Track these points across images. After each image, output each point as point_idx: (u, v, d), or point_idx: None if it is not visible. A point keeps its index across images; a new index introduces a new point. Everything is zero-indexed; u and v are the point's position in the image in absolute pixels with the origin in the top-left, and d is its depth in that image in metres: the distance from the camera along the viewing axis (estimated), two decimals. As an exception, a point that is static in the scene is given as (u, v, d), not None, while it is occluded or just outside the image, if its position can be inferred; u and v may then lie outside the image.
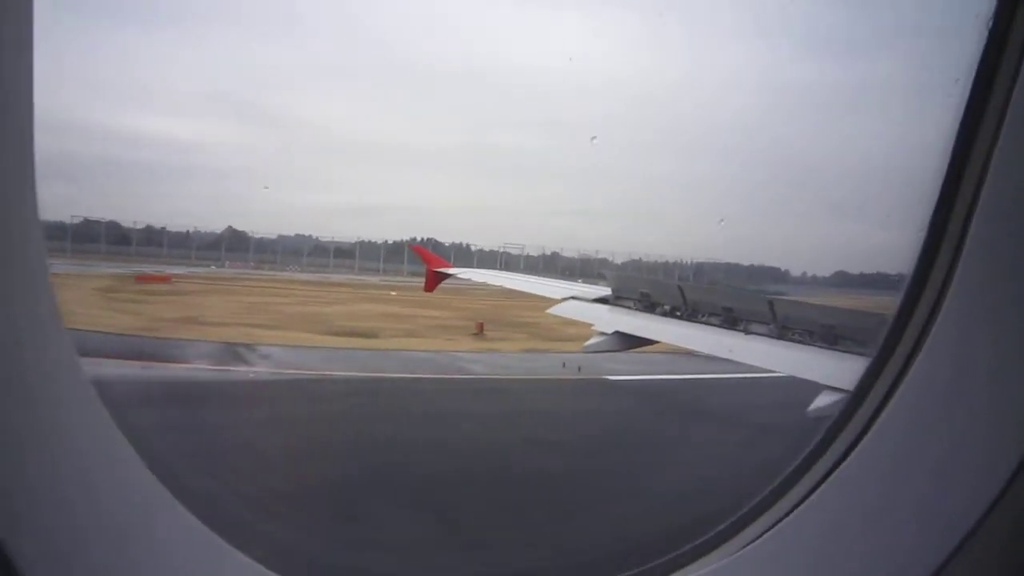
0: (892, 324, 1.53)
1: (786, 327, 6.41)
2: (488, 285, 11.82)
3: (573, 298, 8.53)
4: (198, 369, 13.15)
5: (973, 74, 1.39)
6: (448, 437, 9.76)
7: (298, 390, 12.29)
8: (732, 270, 35.39)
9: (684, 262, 37.23)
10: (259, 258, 40.48)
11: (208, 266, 37.09)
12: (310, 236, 43.49)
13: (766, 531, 1.55)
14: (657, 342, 7.40)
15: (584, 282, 10.80)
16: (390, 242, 42.62)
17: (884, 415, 1.48)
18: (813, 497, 1.53)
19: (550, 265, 36.44)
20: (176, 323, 18.04)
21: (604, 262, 36.91)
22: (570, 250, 40.92)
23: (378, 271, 40.72)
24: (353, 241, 42.87)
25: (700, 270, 35.89)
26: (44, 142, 1.15)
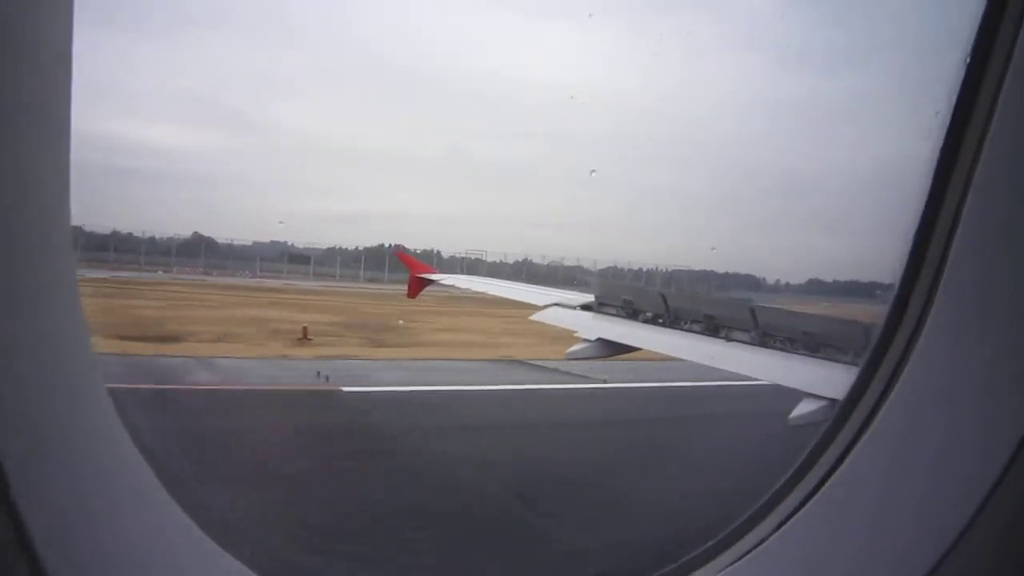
0: (880, 334, 1.55)
1: (767, 334, 6.46)
2: (471, 291, 11.77)
3: (557, 305, 8.54)
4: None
5: (959, 86, 1.41)
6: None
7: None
8: (708, 277, 35.59)
9: (659, 269, 37.31)
10: (217, 263, 39.55)
11: (156, 271, 36.21)
12: (285, 243, 42.65)
13: (760, 543, 1.55)
14: (640, 349, 7.43)
15: (562, 289, 10.80)
16: (360, 248, 42.00)
17: (874, 424, 1.50)
18: (806, 507, 1.54)
19: (519, 272, 36.28)
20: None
21: (580, 269, 36.93)
22: (538, 256, 40.68)
23: (335, 276, 39.90)
24: (323, 248, 42.16)
25: (675, 277, 36.04)
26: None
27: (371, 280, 38.29)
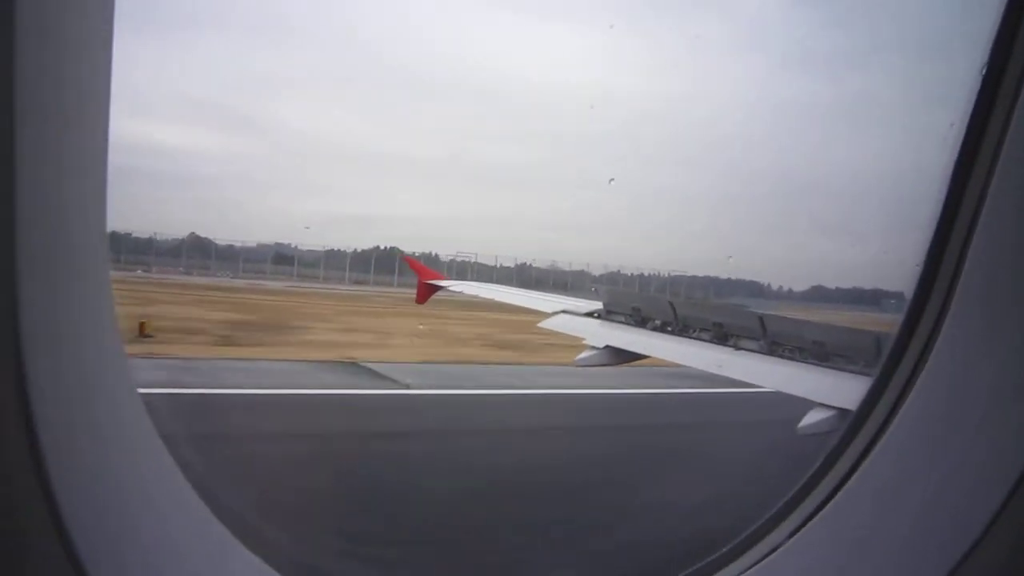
0: (893, 345, 1.54)
1: (776, 343, 6.43)
2: (479, 298, 11.76)
3: (564, 312, 8.53)
4: None
5: (975, 96, 1.40)
6: None
7: None
8: (710, 283, 35.32)
9: (660, 275, 37.00)
10: (203, 263, 39.13)
11: (136, 271, 35.95)
12: (288, 244, 41.92)
13: (772, 551, 1.55)
14: (648, 356, 7.41)
15: (564, 295, 10.74)
16: (358, 250, 41.50)
17: (887, 434, 1.49)
18: (817, 517, 1.53)
19: (517, 276, 35.79)
20: None
21: (582, 273, 36.64)
22: (538, 260, 40.13)
23: (319, 278, 39.30)
24: (322, 250, 41.45)
25: (676, 283, 35.71)
26: None
27: (357, 282, 37.77)
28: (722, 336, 6.92)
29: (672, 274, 36.55)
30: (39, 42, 0.92)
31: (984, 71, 1.38)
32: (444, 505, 6.68)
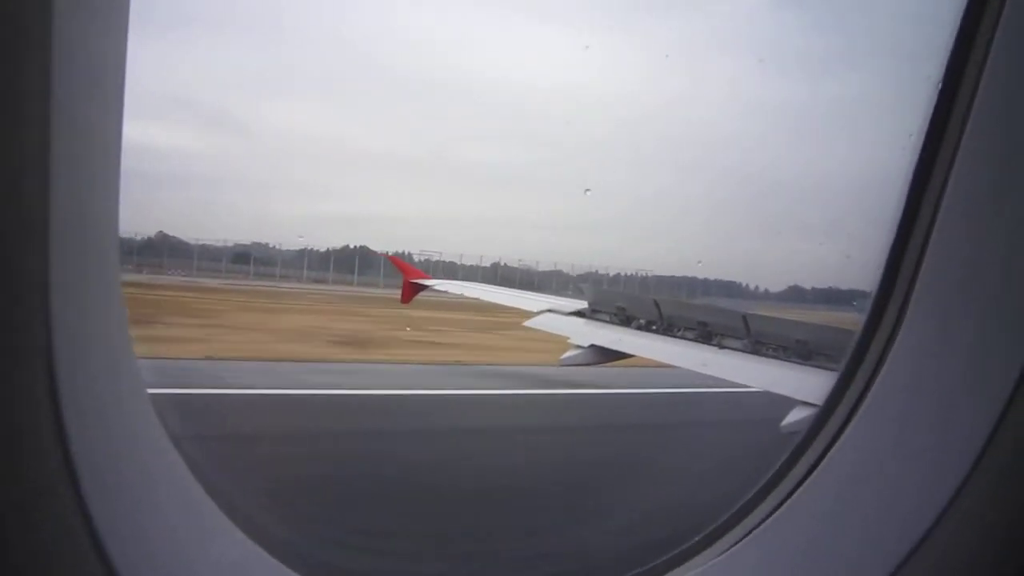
0: (857, 341, 1.58)
1: (760, 342, 6.49)
2: (464, 297, 11.76)
3: (550, 311, 8.56)
4: None
5: (935, 97, 1.43)
6: None
7: None
8: (688, 284, 35.41)
9: (638, 275, 37.04)
10: (157, 263, 38.50)
11: None
12: (267, 244, 40.89)
13: (734, 544, 1.59)
14: (632, 356, 7.46)
15: (545, 295, 10.74)
16: (322, 250, 40.42)
17: (849, 429, 1.54)
18: (780, 511, 1.57)
19: (483, 274, 35.47)
20: None
21: (559, 273, 36.62)
22: (511, 260, 39.77)
23: (275, 276, 38.48)
24: (295, 249, 40.52)
25: (654, 283, 35.78)
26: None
27: (316, 280, 36.84)
28: (706, 335, 6.97)
29: (648, 274, 36.60)
30: (70, 57, 0.94)
31: (942, 77, 1.41)
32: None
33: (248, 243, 39.52)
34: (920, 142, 1.45)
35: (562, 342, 7.98)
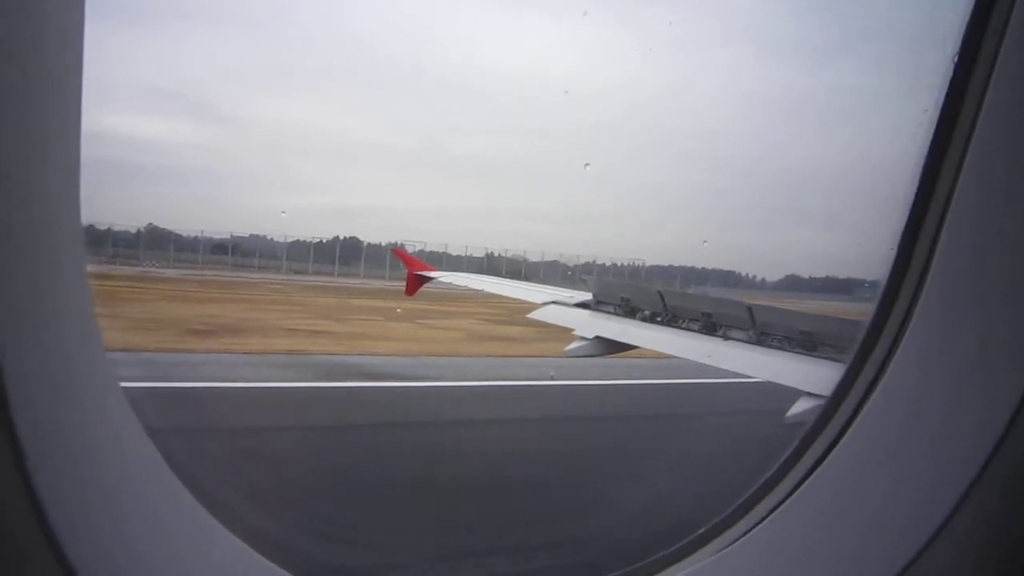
0: (866, 331, 1.56)
1: (765, 333, 6.47)
2: (468, 288, 11.77)
3: (554, 303, 8.54)
4: None
5: (947, 84, 1.41)
6: None
7: None
8: (687, 273, 35.19)
9: (636, 265, 36.77)
10: (132, 255, 37.98)
11: None
12: (264, 236, 40.52)
13: (743, 535, 1.58)
14: (637, 347, 7.44)
15: (549, 286, 10.72)
16: (323, 240, 40.10)
17: (858, 421, 1.52)
18: (788, 502, 1.56)
19: (478, 265, 35.16)
20: None
21: (557, 264, 36.44)
22: (503, 251, 39.29)
23: (255, 267, 38.32)
24: (288, 241, 40.28)
25: (652, 273, 35.54)
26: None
27: (296, 272, 36.88)
28: (711, 326, 6.95)
29: (646, 264, 36.39)
30: (7, 33, 0.92)
31: (955, 60, 1.39)
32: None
33: (228, 235, 39.34)
34: (934, 125, 1.43)
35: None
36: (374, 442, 8.33)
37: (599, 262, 36.00)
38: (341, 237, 39.57)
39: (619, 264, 36.41)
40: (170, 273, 32.70)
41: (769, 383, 5.92)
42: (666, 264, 36.34)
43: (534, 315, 8.49)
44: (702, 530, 1.63)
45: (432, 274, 12.09)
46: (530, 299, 9.05)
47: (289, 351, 14.03)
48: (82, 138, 1.09)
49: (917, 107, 1.45)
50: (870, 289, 1.57)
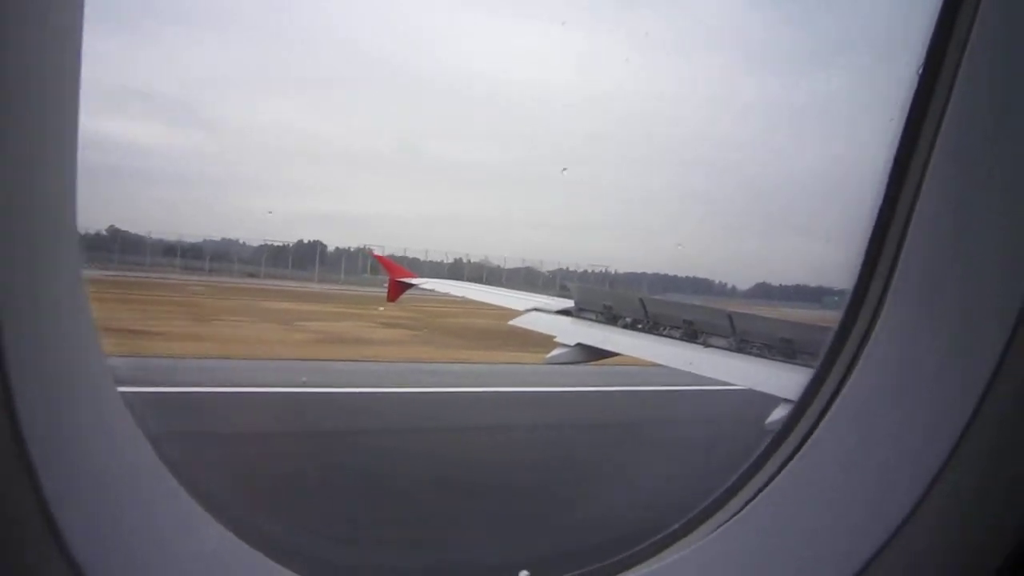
0: (834, 336, 1.59)
1: (745, 340, 6.51)
2: (450, 295, 11.72)
3: (536, 309, 8.55)
4: None
5: (912, 94, 1.44)
6: None
7: None
8: (660, 280, 35.28)
9: (609, 271, 36.78)
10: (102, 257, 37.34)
11: None
12: (237, 240, 39.75)
13: (715, 529, 1.60)
14: (618, 354, 7.46)
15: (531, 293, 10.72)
16: (290, 244, 39.50)
17: (823, 423, 1.54)
18: (755, 502, 1.58)
19: (456, 271, 34.93)
20: None
21: (528, 271, 36.48)
22: (475, 256, 39.29)
23: (205, 270, 37.63)
24: (255, 245, 39.69)
25: (625, 280, 35.64)
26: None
27: (249, 275, 36.15)
28: (692, 334, 6.99)
29: (616, 271, 36.49)
30: (4, 36, 0.92)
31: (920, 72, 1.42)
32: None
33: (175, 238, 38.26)
34: (899, 135, 1.46)
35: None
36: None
37: (569, 268, 36.07)
38: (305, 241, 39.34)
39: (588, 271, 36.49)
40: (95, 274, 31.82)
41: (749, 390, 5.96)
42: (637, 271, 36.45)
43: (515, 322, 8.48)
44: (671, 528, 1.64)
45: (414, 281, 12.05)
46: (511, 306, 9.05)
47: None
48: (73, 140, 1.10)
49: (884, 117, 1.48)
50: (840, 297, 1.59)
